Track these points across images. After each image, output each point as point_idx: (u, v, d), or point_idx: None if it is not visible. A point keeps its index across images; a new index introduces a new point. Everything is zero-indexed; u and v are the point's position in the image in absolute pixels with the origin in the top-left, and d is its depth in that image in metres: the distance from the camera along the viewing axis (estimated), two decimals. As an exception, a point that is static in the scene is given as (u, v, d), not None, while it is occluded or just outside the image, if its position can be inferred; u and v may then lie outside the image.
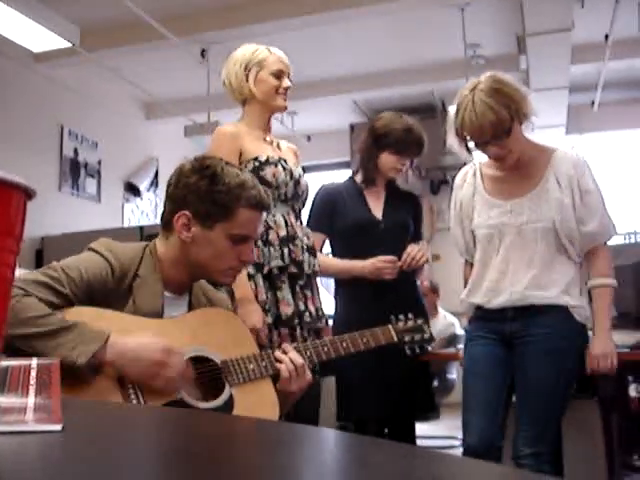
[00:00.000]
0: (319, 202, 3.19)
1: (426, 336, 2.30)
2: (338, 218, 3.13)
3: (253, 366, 1.88)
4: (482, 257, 2.53)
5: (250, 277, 2.52)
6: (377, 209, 3.11)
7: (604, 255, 2.46)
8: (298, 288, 2.65)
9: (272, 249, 2.58)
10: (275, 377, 1.95)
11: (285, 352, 1.97)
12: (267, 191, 1.97)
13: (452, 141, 2.48)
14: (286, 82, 2.76)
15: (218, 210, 1.84)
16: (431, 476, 0.49)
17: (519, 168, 2.50)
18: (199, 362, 1.82)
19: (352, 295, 3.08)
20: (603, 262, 2.45)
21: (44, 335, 1.59)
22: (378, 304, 2.92)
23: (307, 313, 2.65)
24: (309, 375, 2.00)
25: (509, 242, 2.45)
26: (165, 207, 1.94)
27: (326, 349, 2.06)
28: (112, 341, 1.65)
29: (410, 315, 2.33)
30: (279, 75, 2.74)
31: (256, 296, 2.51)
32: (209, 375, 1.83)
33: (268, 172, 2.61)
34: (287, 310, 2.55)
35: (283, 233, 2.61)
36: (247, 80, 2.74)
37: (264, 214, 1.95)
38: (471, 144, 2.45)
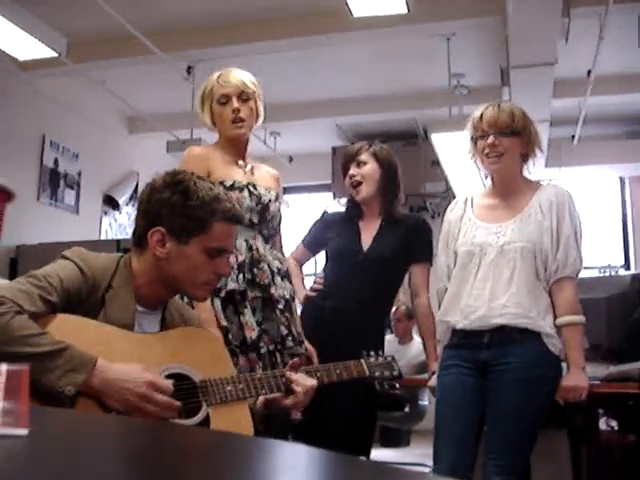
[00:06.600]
0: (316, 222, 3.32)
1: (395, 373, 2.31)
2: (329, 243, 3.16)
3: (230, 388, 1.87)
4: (461, 274, 2.54)
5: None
6: (368, 238, 3.09)
7: (570, 290, 2.46)
8: (279, 312, 2.64)
9: (232, 272, 2.53)
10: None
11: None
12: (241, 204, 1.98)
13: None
14: (232, 105, 2.66)
15: (193, 225, 1.84)
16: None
17: (508, 197, 2.58)
18: (177, 379, 1.81)
19: (313, 318, 3.03)
20: (569, 298, 2.45)
21: (34, 357, 1.57)
22: (337, 335, 2.92)
23: (290, 337, 2.64)
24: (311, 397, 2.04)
25: (489, 261, 2.48)
26: (137, 223, 1.93)
27: None
28: (99, 367, 1.65)
29: (380, 352, 2.34)
30: (225, 101, 2.67)
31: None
32: (186, 393, 1.81)
33: (232, 197, 2.58)
34: (251, 334, 2.52)
35: (242, 258, 2.58)
36: (203, 112, 2.75)
37: (238, 227, 1.96)
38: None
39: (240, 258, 2.58)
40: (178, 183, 1.86)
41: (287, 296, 2.70)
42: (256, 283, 2.59)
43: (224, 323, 2.50)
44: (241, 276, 2.57)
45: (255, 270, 2.60)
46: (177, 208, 1.84)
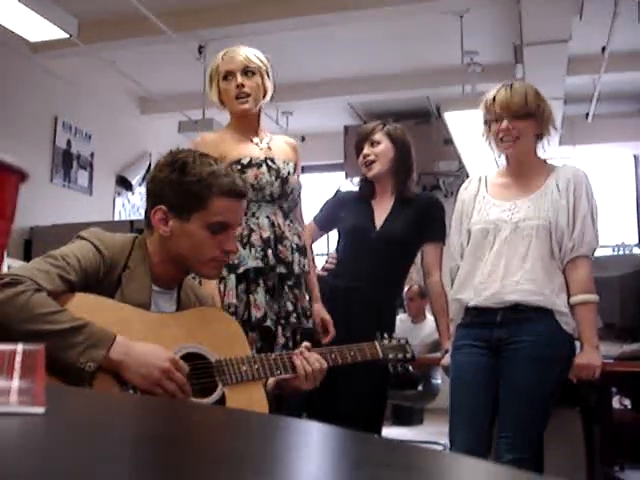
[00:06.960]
0: (329, 200, 3.30)
1: (408, 355, 2.32)
2: (342, 220, 3.16)
3: (246, 368, 1.88)
4: (475, 252, 2.54)
5: (221, 279, 2.48)
6: (380, 217, 3.08)
7: (585, 268, 2.46)
8: (287, 288, 2.64)
9: (253, 250, 2.55)
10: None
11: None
12: (243, 178, 1.97)
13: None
14: (237, 80, 2.66)
15: (191, 201, 1.84)
16: (411, 466, 0.49)
17: (522, 176, 2.57)
18: (193, 358, 1.82)
19: (324, 297, 3.02)
20: (584, 276, 2.45)
21: (55, 334, 1.59)
22: (349, 316, 2.92)
23: (295, 314, 2.64)
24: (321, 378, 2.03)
25: (504, 238, 2.48)
26: (146, 204, 1.94)
27: None
28: (119, 343, 1.66)
29: (393, 334, 2.35)
30: (227, 76, 2.68)
31: (224, 298, 2.49)
32: (201, 372, 1.83)
33: (250, 174, 2.58)
34: (257, 313, 2.52)
35: (266, 234, 2.59)
36: (211, 90, 2.75)
37: (243, 202, 1.94)
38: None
39: (264, 235, 2.59)
40: (177, 160, 1.86)
41: (299, 271, 2.70)
42: (280, 259, 2.60)
43: (232, 300, 2.50)
44: (270, 252, 2.58)
45: (279, 246, 2.61)
46: (175, 185, 1.84)
